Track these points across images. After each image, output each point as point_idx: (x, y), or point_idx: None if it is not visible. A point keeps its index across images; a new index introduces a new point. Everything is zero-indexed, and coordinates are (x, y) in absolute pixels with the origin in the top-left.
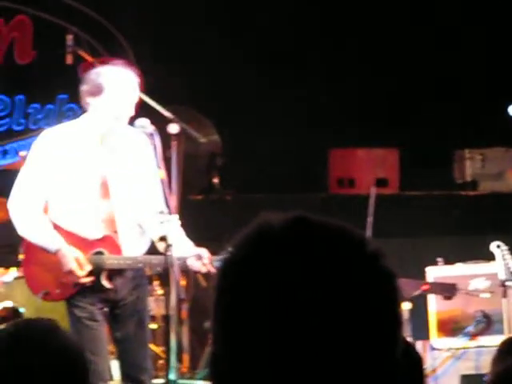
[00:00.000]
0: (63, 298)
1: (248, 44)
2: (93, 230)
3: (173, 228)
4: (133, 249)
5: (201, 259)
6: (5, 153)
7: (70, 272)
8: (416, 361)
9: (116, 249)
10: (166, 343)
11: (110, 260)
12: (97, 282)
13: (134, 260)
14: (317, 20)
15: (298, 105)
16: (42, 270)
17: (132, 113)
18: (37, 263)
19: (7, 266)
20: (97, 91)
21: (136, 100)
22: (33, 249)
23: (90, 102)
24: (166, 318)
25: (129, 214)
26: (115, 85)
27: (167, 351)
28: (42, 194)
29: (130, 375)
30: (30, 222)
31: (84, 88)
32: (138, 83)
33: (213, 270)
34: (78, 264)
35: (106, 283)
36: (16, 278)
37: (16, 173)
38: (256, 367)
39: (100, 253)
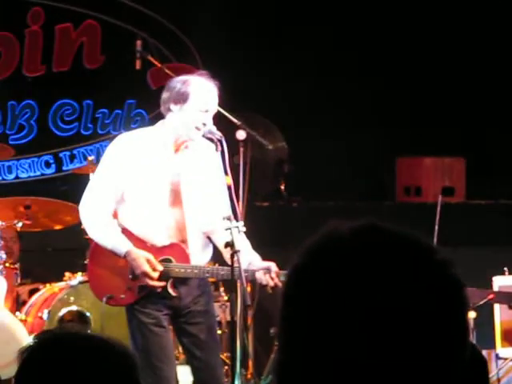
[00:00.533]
0: (127, 304)
1: (313, 51)
2: (161, 237)
3: (240, 238)
4: (199, 257)
5: (269, 273)
6: (72, 157)
7: (144, 274)
8: (481, 363)
9: (184, 257)
10: (231, 349)
11: (177, 268)
12: (163, 289)
13: (201, 270)
14: (380, 27)
15: (365, 113)
16: (107, 274)
17: (200, 134)
18: (102, 267)
19: (74, 271)
20: (181, 99)
21: (214, 112)
22: (99, 253)
23: (173, 109)
24: (231, 324)
25: (198, 223)
26: (200, 95)
27: (232, 357)
28: (114, 198)
29: (205, 382)
30: (101, 224)
31: (167, 95)
32: (218, 96)
33: (280, 285)
34: (150, 265)
35: (171, 291)
36: (82, 283)
37: (83, 177)
38: (323, 376)
39: (168, 260)
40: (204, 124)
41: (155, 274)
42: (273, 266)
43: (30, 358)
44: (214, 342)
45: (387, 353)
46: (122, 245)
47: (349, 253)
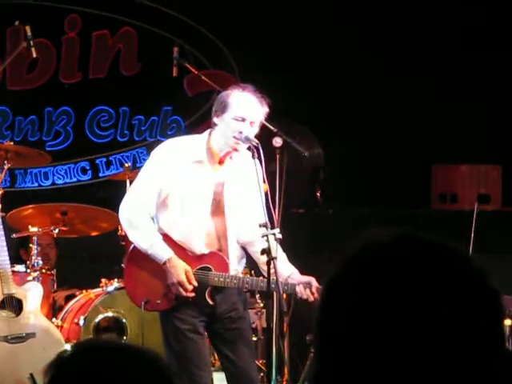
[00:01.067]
0: (163, 309)
1: (351, 58)
2: (201, 245)
3: (278, 250)
4: (237, 267)
5: (309, 288)
6: (109, 164)
7: (178, 283)
8: None
9: (224, 266)
10: (267, 356)
11: (216, 277)
12: (200, 297)
13: (241, 280)
14: (416, 33)
15: (402, 120)
16: (144, 278)
17: (241, 146)
18: (140, 272)
19: (110, 277)
20: (221, 110)
21: (256, 122)
22: (137, 257)
23: (216, 121)
24: (267, 331)
25: (238, 233)
26: (237, 104)
27: (268, 364)
28: (156, 202)
29: None
30: (142, 227)
31: (213, 108)
32: (264, 112)
33: (312, 299)
34: (187, 277)
35: (209, 300)
36: (118, 289)
37: (119, 184)
38: None
39: (207, 268)
40: (240, 132)
41: (190, 287)
42: (313, 280)
43: (63, 366)
44: (249, 348)
45: (424, 361)
46: (163, 251)
47: (388, 262)
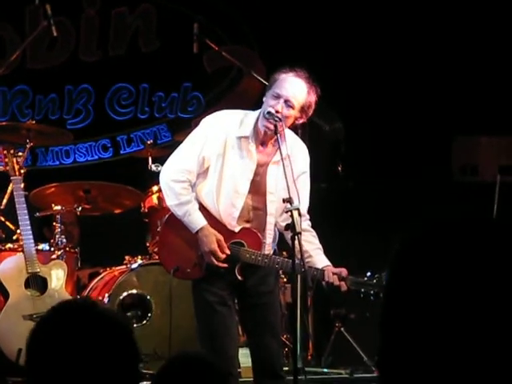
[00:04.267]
0: (192, 278)
1: (373, 35)
2: (237, 221)
3: (313, 241)
4: (270, 247)
5: (339, 275)
6: (130, 141)
7: (210, 252)
8: None
9: (257, 244)
10: (292, 331)
11: (248, 254)
12: (230, 271)
13: (271, 260)
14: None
15: (421, 91)
16: (177, 245)
17: (270, 125)
18: (174, 238)
19: (134, 254)
20: (268, 87)
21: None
22: (172, 224)
23: (264, 99)
24: (291, 306)
25: (277, 216)
26: (277, 82)
27: (293, 339)
28: (198, 170)
29: (265, 368)
30: (180, 195)
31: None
32: (307, 98)
33: (345, 288)
34: (219, 246)
35: (238, 275)
36: (142, 266)
37: (140, 161)
38: (426, 365)
39: (240, 244)
40: (272, 107)
41: (222, 256)
42: (344, 271)
43: (38, 326)
44: (276, 323)
45: (492, 342)
46: (198, 220)
47: (458, 241)
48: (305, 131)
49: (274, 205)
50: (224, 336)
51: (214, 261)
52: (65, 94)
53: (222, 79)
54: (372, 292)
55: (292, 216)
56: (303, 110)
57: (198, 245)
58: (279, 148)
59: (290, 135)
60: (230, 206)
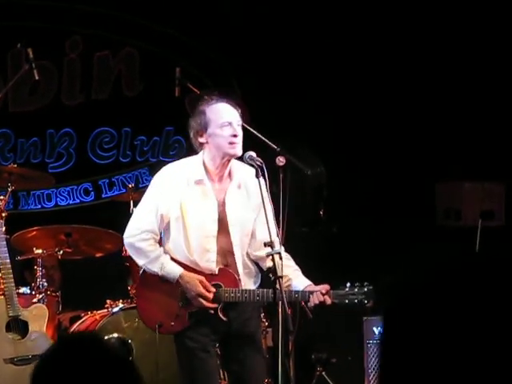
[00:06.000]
0: (177, 331)
1: (350, 76)
2: (210, 264)
3: (290, 264)
4: (247, 283)
5: (327, 294)
6: (111, 185)
7: (198, 295)
8: None
9: (234, 282)
10: (273, 375)
11: (227, 293)
12: (214, 314)
13: (251, 294)
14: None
15: (404, 136)
16: (156, 302)
17: (238, 147)
18: (151, 296)
19: (115, 298)
20: (203, 129)
21: (237, 132)
22: (147, 282)
23: (202, 141)
24: (272, 350)
25: (245, 249)
26: (215, 115)
27: (274, 383)
28: (160, 226)
29: None
30: (149, 253)
31: (191, 134)
32: (238, 114)
33: (329, 302)
34: (204, 287)
35: (221, 315)
36: (123, 310)
37: (122, 204)
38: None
39: (218, 286)
40: (235, 136)
41: (210, 296)
42: (326, 287)
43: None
44: (261, 366)
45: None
46: (174, 269)
47: (457, 293)
48: (286, 175)
49: (239, 240)
50: (205, 382)
51: (204, 302)
52: (47, 138)
53: None
54: (356, 301)
55: (273, 260)
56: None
57: (176, 296)
58: (261, 191)
59: (245, 167)
60: (205, 252)
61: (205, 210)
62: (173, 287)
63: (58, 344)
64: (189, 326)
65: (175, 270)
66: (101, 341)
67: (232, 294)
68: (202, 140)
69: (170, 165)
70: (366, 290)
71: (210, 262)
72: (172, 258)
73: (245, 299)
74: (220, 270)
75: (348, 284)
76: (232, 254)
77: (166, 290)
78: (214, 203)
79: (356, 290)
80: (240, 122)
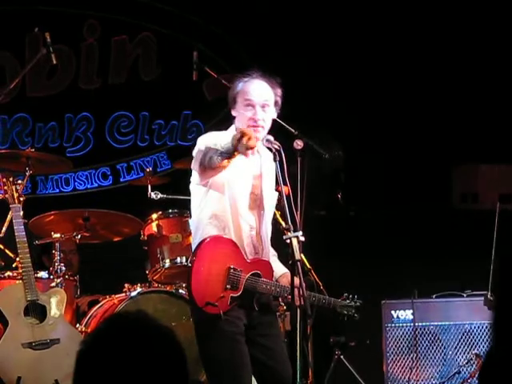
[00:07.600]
0: (219, 312)
1: (369, 60)
2: (249, 247)
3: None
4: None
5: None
6: (129, 169)
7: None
8: None
9: (270, 273)
10: (292, 359)
11: (264, 284)
12: (248, 302)
13: (282, 289)
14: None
15: (424, 119)
16: (208, 280)
17: (257, 131)
18: (205, 273)
19: (133, 282)
20: (233, 103)
21: (258, 116)
22: (200, 258)
23: (233, 113)
24: (291, 334)
25: (269, 229)
26: (241, 91)
27: (293, 367)
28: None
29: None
30: (207, 156)
31: (229, 100)
32: (269, 96)
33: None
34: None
35: (255, 305)
36: (141, 294)
37: (140, 188)
38: None
39: (257, 275)
40: (253, 119)
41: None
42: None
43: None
44: (283, 352)
45: None
46: (228, 143)
47: None
48: (305, 159)
49: (270, 220)
50: (242, 365)
51: (252, 136)
52: (65, 122)
53: (221, 107)
54: (350, 313)
55: (291, 244)
56: (277, 104)
57: (224, 278)
58: (283, 173)
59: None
60: (243, 232)
61: (240, 181)
62: (222, 268)
63: (109, 322)
64: (228, 310)
65: (228, 147)
66: (151, 319)
67: (268, 286)
68: (232, 113)
69: (209, 133)
70: (358, 304)
71: (247, 242)
72: (219, 237)
73: (276, 293)
74: (259, 259)
75: (345, 295)
76: (266, 235)
77: (216, 269)
78: (248, 176)
79: (353, 303)
80: (268, 106)
